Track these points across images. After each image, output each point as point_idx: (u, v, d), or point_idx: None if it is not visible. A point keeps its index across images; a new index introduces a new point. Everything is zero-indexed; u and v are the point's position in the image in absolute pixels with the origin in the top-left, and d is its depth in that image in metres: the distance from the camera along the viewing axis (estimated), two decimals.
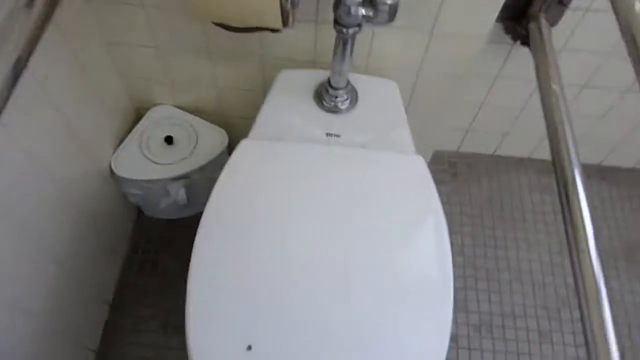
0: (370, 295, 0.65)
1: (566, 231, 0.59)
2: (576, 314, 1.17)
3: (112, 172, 1.01)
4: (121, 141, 1.05)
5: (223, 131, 1.09)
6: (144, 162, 1.03)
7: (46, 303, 0.83)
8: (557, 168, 0.64)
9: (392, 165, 0.77)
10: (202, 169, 1.04)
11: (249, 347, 0.59)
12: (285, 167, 0.75)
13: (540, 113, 0.73)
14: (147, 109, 1.10)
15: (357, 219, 0.71)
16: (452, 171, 1.35)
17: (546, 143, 0.68)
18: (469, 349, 1.12)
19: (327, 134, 0.82)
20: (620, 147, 1.31)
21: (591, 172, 1.37)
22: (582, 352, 1.13)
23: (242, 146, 0.76)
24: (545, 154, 1.36)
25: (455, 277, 1.22)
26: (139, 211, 1.22)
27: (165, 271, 1.15)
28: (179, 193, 1.04)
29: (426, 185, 0.75)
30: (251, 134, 0.81)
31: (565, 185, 0.62)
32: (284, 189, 0.73)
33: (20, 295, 0.76)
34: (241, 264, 0.66)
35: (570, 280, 1.21)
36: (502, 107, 1.19)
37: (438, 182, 1.35)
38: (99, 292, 1.07)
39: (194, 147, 1.06)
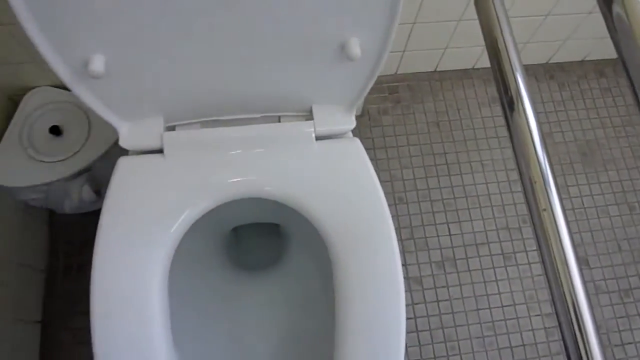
0: None
1: (513, 147, 0.48)
2: None
3: None
4: None
5: None
6: (29, 164, 0.86)
7: None
8: (497, 76, 0.52)
9: None
10: (103, 157, 0.88)
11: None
12: None
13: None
14: (22, 96, 0.91)
15: None
16: (393, 98, 1.23)
17: None
18: (435, 287, 1.07)
19: None
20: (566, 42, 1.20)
21: (538, 73, 1.26)
22: None
23: None
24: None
25: (412, 215, 1.14)
26: (51, 211, 1.06)
27: None
28: (83, 191, 0.89)
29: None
30: None
31: (508, 92, 0.50)
32: None
33: None
34: None
35: None
36: (436, 22, 1.04)
37: (381, 112, 1.24)
38: (26, 313, 0.94)
39: (88, 134, 0.89)
